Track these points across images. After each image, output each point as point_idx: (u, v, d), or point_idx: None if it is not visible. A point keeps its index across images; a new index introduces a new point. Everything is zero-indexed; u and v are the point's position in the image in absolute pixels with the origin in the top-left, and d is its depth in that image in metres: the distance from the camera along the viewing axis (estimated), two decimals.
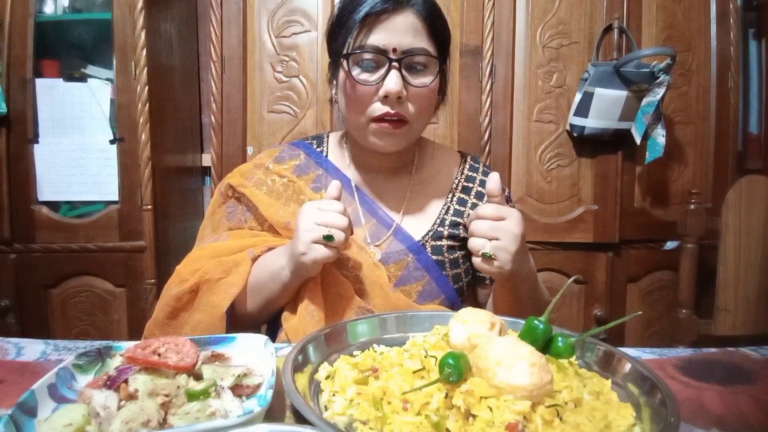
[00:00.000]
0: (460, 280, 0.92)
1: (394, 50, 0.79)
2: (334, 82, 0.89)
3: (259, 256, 0.82)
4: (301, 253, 0.73)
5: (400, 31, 0.79)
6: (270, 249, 0.83)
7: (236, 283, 0.78)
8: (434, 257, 0.89)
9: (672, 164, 1.76)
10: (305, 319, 0.77)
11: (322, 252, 0.72)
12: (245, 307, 0.83)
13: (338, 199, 0.76)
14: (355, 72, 0.81)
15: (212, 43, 1.71)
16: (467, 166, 0.99)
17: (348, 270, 0.84)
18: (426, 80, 0.82)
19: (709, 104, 1.76)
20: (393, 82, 0.78)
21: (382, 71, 0.79)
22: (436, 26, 0.83)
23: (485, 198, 0.95)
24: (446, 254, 0.90)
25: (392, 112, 0.80)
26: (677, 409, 0.42)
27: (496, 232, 0.70)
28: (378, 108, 0.81)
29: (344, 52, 0.81)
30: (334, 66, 0.88)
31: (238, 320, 0.83)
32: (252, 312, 0.84)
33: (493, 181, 0.74)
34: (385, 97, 0.79)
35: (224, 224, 0.92)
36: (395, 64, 0.78)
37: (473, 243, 0.72)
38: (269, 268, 0.80)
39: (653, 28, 1.72)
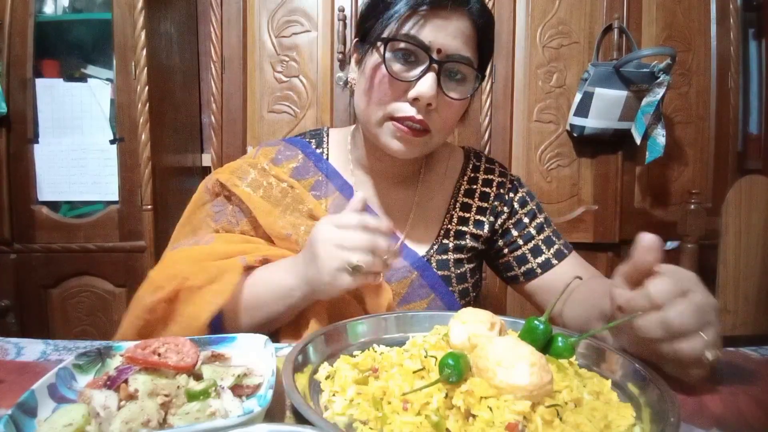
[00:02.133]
0: (468, 295, 0.86)
1: (439, 51, 0.70)
2: (355, 65, 0.80)
3: (252, 266, 0.73)
4: (325, 282, 0.64)
5: (451, 32, 0.70)
6: (265, 260, 0.74)
7: (222, 291, 0.67)
8: (440, 273, 0.83)
9: (672, 164, 1.76)
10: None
11: (347, 281, 0.63)
12: (239, 322, 0.72)
13: (361, 210, 0.67)
14: (390, 61, 0.71)
15: (212, 43, 1.71)
16: (470, 167, 0.91)
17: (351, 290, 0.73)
18: (461, 93, 0.73)
19: (709, 104, 1.76)
20: (428, 85, 0.69)
21: (419, 70, 0.71)
22: (486, 38, 0.75)
23: (513, 216, 0.87)
24: (453, 269, 0.84)
25: (417, 117, 0.72)
26: (677, 409, 0.42)
27: (703, 317, 0.49)
28: (403, 108, 0.72)
29: (384, 35, 0.71)
30: (361, 47, 0.78)
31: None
32: (247, 329, 0.72)
33: (647, 242, 0.52)
34: (415, 99, 0.71)
35: (209, 225, 0.82)
36: (435, 66, 0.70)
37: (687, 347, 0.48)
38: (274, 287, 0.71)
39: (653, 28, 1.72)
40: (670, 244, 1.73)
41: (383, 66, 0.71)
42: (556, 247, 0.87)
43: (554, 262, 0.86)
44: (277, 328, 0.75)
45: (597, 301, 0.68)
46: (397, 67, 0.72)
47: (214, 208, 0.84)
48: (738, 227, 1.37)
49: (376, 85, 0.73)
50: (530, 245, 0.87)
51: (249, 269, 0.73)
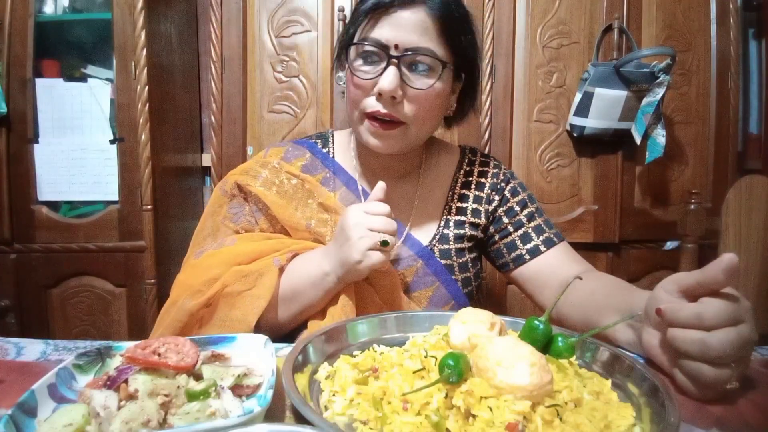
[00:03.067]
0: (470, 284, 0.90)
1: (396, 47, 0.75)
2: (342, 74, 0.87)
3: (284, 264, 0.78)
4: (357, 261, 0.71)
5: (407, 27, 0.75)
6: (294, 255, 0.79)
7: (263, 295, 0.73)
8: (443, 261, 0.87)
9: (672, 164, 1.76)
10: (338, 317, 0.74)
11: (377, 258, 0.71)
12: (273, 316, 0.77)
13: (382, 199, 0.75)
14: (356, 64, 0.78)
15: (212, 43, 1.71)
16: (465, 161, 0.96)
17: (367, 277, 0.79)
18: (426, 82, 0.77)
19: (709, 104, 1.77)
20: (387, 80, 0.74)
21: (382, 66, 0.76)
22: (450, 28, 0.78)
23: (504, 203, 0.91)
24: (455, 258, 0.88)
25: (383, 111, 0.77)
26: (677, 409, 0.42)
27: (741, 351, 0.48)
28: (371, 104, 0.78)
29: (348, 42, 0.79)
30: (344, 57, 0.84)
31: (261, 331, 0.76)
32: (284, 321, 0.78)
33: (729, 263, 0.48)
34: (380, 94, 0.76)
35: (228, 226, 0.87)
36: (394, 60, 0.75)
37: (712, 373, 0.48)
38: (309, 275, 0.76)
39: (653, 28, 1.72)
40: (670, 244, 1.73)
41: (350, 69, 0.79)
42: (546, 235, 0.90)
43: (543, 249, 0.88)
44: (311, 314, 0.79)
45: (616, 296, 0.70)
46: (362, 67, 0.78)
47: (232, 210, 0.88)
48: (738, 227, 1.37)
49: (350, 88, 0.80)
50: (520, 232, 0.91)
51: (283, 268, 0.78)
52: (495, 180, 0.94)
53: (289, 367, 0.49)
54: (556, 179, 1.75)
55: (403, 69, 0.76)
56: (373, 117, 0.78)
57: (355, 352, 0.57)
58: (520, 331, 0.52)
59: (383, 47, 0.75)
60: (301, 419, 0.43)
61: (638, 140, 1.61)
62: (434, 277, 0.86)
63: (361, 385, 0.49)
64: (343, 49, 0.81)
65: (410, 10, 0.75)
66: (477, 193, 0.93)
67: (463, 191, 0.93)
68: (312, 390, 0.50)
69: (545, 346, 0.51)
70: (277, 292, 0.76)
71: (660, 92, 1.55)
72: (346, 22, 0.84)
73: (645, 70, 1.57)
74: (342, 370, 0.52)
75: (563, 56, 1.72)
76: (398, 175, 0.92)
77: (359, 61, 0.78)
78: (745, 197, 1.37)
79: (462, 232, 0.90)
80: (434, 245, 0.88)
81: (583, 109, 1.64)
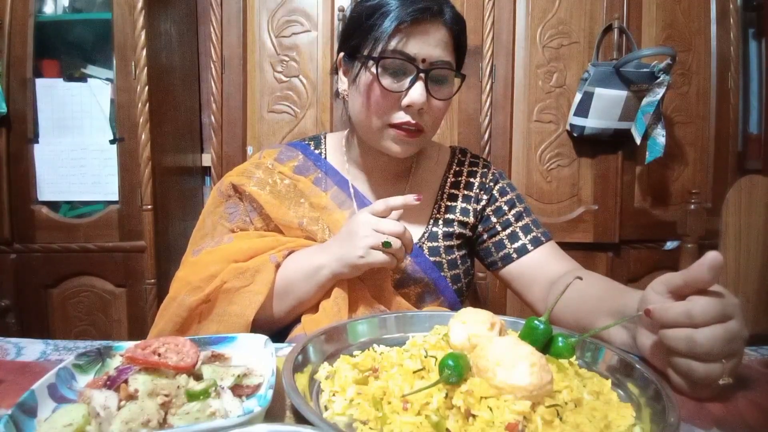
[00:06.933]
0: (459, 281, 0.91)
1: (423, 61, 0.78)
2: (344, 78, 0.87)
3: (280, 261, 0.80)
4: (359, 256, 0.74)
5: (431, 42, 0.78)
6: (290, 252, 0.82)
7: (260, 291, 0.76)
8: (432, 258, 0.89)
9: (672, 164, 1.76)
10: (332, 311, 0.76)
11: (379, 257, 0.74)
12: (269, 311, 0.79)
13: (395, 208, 0.77)
14: (382, 76, 0.79)
15: (212, 43, 1.71)
16: (455, 161, 0.98)
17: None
18: (447, 93, 0.82)
19: (709, 104, 1.77)
20: (418, 93, 0.77)
21: (408, 80, 0.79)
22: (460, 41, 0.83)
23: (492, 203, 0.93)
24: (444, 255, 0.90)
25: (413, 122, 0.80)
26: (677, 409, 0.42)
27: (731, 346, 0.48)
28: (399, 116, 0.80)
29: (374, 54, 0.79)
30: (349, 62, 0.85)
31: (257, 327, 0.78)
32: (278, 315, 0.80)
33: (712, 261, 0.49)
34: (408, 106, 0.79)
35: (224, 226, 0.89)
36: (422, 75, 0.78)
37: (703, 369, 0.48)
38: (303, 268, 0.78)
39: (653, 28, 1.72)
40: (670, 244, 1.73)
41: (376, 82, 0.79)
42: (533, 234, 0.91)
43: (530, 248, 0.90)
44: (305, 309, 0.81)
45: (607, 297, 0.69)
46: (388, 81, 0.79)
47: (228, 209, 0.91)
48: (738, 227, 1.37)
49: (372, 99, 0.81)
50: (508, 231, 0.92)
51: (279, 265, 0.80)
52: (484, 180, 0.95)
53: (289, 367, 0.49)
54: (556, 179, 1.75)
55: (428, 81, 0.79)
56: (399, 126, 0.81)
57: (355, 352, 0.57)
58: (520, 331, 0.52)
59: (412, 61, 0.78)
60: (301, 419, 0.43)
61: (638, 140, 1.61)
62: (423, 274, 0.88)
63: (361, 385, 0.49)
64: (362, 58, 0.81)
65: (433, 25, 0.78)
66: (466, 192, 0.94)
67: (453, 191, 0.95)
68: (312, 390, 0.50)
69: (545, 346, 0.51)
70: (272, 288, 0.78)
71: (660, 92, 1.55)
72: (349, 31, 0.84)
73: (645, 70, 1.57)
74: (342, 370, 0.52)
75: (563, 56, 1.72)
76: (389, 175, 0.94)
77: (384, 74, 0.79)
78: (745, 197, 1.37)
79: (451, 230, 0.91)
80: (423, 242, 0.90)
81: (583, 109, 1.64)
